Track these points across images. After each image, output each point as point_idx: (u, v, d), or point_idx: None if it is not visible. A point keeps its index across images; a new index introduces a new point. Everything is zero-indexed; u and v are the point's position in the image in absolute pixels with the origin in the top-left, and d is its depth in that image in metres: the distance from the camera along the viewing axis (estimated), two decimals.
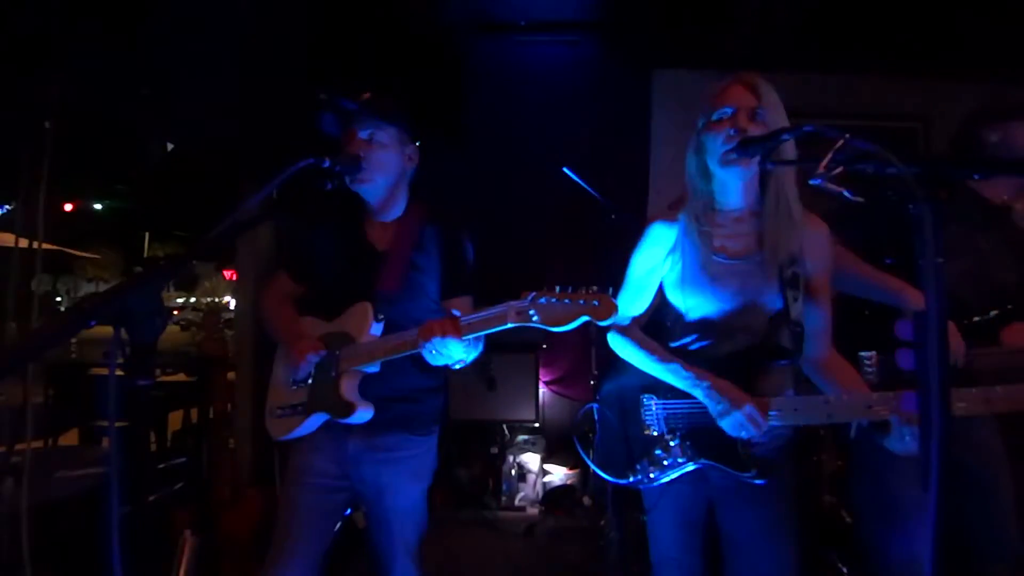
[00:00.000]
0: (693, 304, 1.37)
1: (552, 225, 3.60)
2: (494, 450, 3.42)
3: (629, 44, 3.58)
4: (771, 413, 1.26)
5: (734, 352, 1.35)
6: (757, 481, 1.28)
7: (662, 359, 1.36)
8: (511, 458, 3.40)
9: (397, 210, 1.58)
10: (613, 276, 1.42)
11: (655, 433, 1.38)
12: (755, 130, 1.22)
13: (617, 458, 1.43)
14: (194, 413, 3.69)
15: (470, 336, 1.27)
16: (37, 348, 0.69)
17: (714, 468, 1.33)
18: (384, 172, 1.49)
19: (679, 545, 1.41)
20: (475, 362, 1.42)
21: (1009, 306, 1.46)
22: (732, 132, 1.23)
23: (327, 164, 1.22)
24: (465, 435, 3.46)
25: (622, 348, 1.43)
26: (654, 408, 1.39)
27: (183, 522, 1.99)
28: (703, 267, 1.34)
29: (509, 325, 1.20)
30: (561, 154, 2.97)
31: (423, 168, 1.62)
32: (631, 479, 1.40)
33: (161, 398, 3.53)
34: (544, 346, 3.47)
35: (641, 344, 1.40)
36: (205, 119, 2.76)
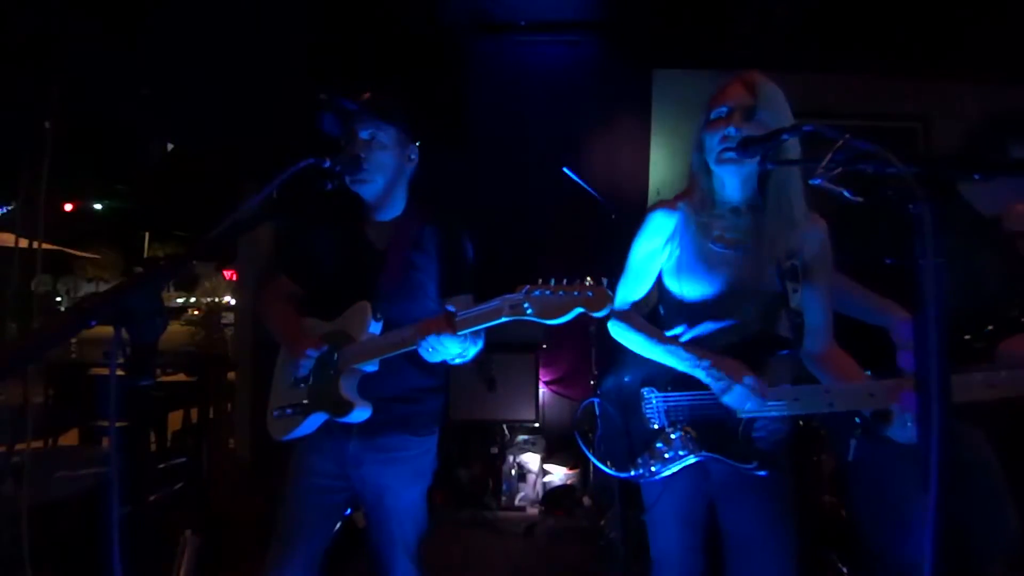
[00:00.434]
0: (689, 290, 1.39)
1: (552, 225, 3.60)
2: (494, 450, 3.42)
3: (629, 44, 3.58)
4: (771, 403, 1.26)
5: (733, 342, 1.35)
6: (758, 472, 1.29)
7: (662, 342, 1.37)
8: (511, 458, 3.41)
9: (396, 209, 1.58)
10: (613, 275, 1.42)
11: (656, 426, 1.39)
12: (750, 130, 1.22)
13: (619, 452, 1.44)
14: (194, 413, 3.70)
15: (466, 331, 1.27)
16: (37, 348, 0.69)
17: (715, 461, 1.34)
18: (384, 172, 1.49)
19: (679, 543, 1.42)
20: (476, 361, 1.42)
21: (1002, 320, 1.45)
22: (727, 132, 1.25)
23: (327, 164, 1.22)
24: (465, 435, 3.46)
25: (622, 334, 1.44)
26: (654, 401, 1.40)
27: (183, 522, 1.99)
28: (700, 255, 1.37)
29: (504, 319, 1.19)
30: (561, 154, 2.97)
31: (423, 168, 1.62)
32: (633, 472, 1.40)
33: (161, 398, 3.53)
34: (544, 346, 3.47)
35: (640, 329, 1.41)
36: (205, 119, 2.76)
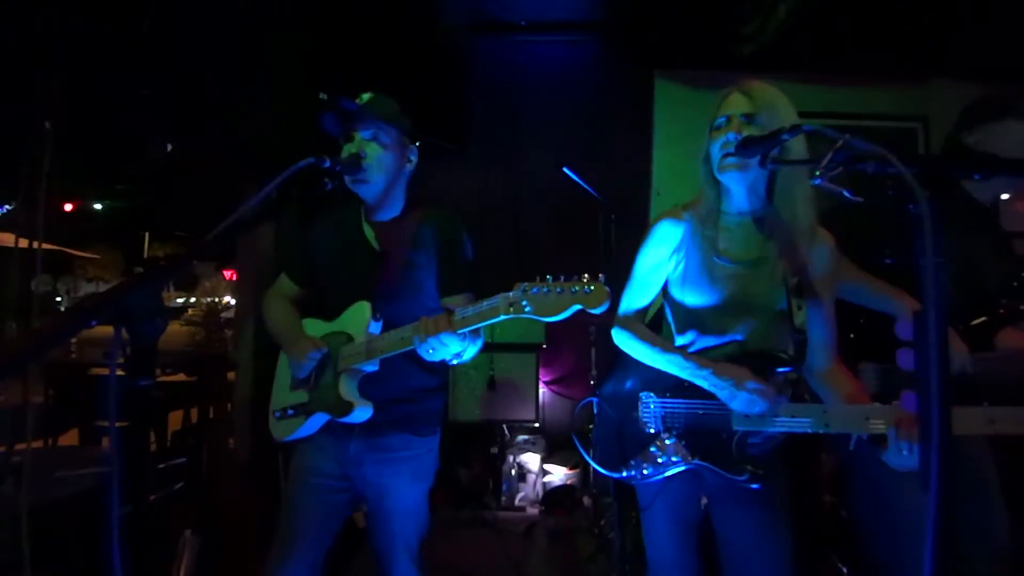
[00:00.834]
0: (693, 302, 1.39)
1: (552, 225, 3.60)
2: (494, 450, 3.43)
3: (630, 44, 3.58)
4: (772, 418, 1.26)
5: (734, 357, 1.35)
6: (750, 486, 1.29)
7: (664, 351, 1.37)
8: (511, 458, 3.41)
9: (395, 209, 1.58)
10: (613, 275, 1.42)
11: (651, 431, 1.39)
12: (749, 133, 1.22)
13: (612, 452, 1.45)
14: (194, 413, 3.70)
15: (465, 330, 1.27)
16: (37, 348, 0.68)
17: (707, 469, 1.34)
18: (385, 172, 1.50)
19: (675, 545, 1.42)
20: (475, 361, 1.42)
21: (1001, 310, 1.45)
22: (727, 138, 1.26)
23: (327, 164, 1.22)
24: (465, 435, 3.46)
25: (625, 342, 1.44)
26: (652, 406, 1.40)
27: (183, 522, 1.99)
28: (705, 269, 1.36)
29: (503, 317, 1.19)
30: (561, 154, 2.97)
31: (423, 168, 1.62)
32: (624, 473, 1.41)
33: (161, 398, 3.53)
34: (544, 346, 3.47)
35: (643, 337, 1.41)
36: (205, 119, 2.76)
